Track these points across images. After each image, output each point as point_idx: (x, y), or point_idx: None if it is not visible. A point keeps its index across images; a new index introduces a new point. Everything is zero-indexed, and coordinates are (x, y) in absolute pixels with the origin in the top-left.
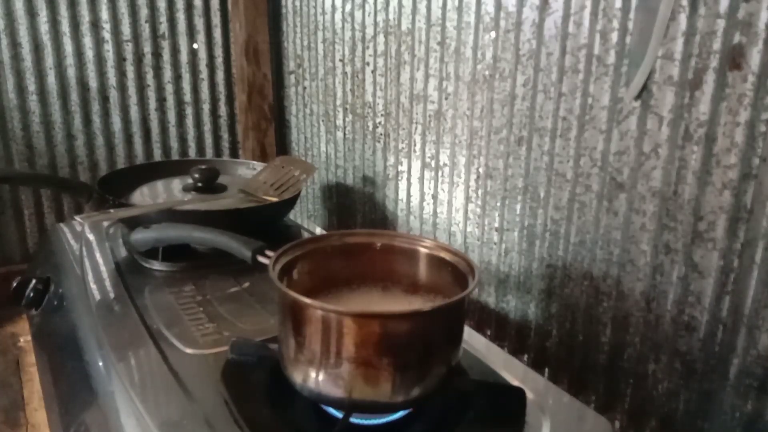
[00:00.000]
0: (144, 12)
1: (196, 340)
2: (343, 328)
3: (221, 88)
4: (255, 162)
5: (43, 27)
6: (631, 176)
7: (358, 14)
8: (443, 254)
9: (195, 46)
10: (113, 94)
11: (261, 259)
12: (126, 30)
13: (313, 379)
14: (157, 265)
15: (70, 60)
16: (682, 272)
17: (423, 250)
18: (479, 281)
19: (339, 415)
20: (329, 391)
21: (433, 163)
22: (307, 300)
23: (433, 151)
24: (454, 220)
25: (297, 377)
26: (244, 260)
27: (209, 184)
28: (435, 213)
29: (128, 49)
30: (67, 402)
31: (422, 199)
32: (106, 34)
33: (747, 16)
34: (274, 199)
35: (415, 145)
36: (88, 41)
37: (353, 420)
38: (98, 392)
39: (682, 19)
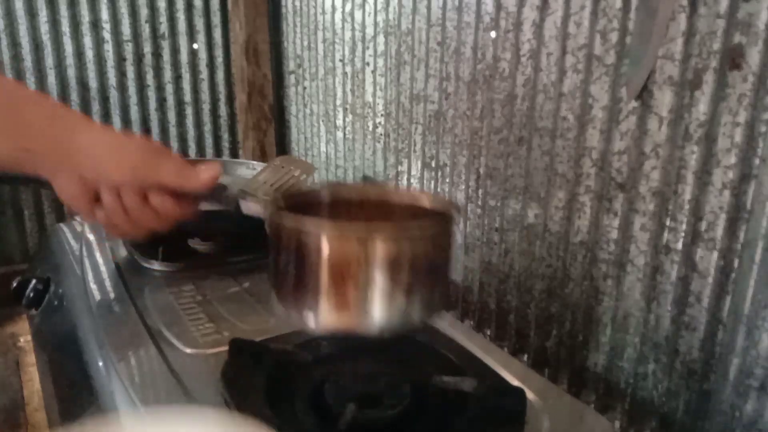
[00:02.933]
0: (144, 12)
1: (196, 340)
2: (340, 246)
3: (221, 88)
4: (255, 162)
5: (43, 27)
6: (631, 176)
7: (358, 14)
8: (425, 201)
9: (195, 46)
10: (113, 94)
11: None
12: (126, 30)
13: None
14: (157, 265)
15: (70, 60)
16: (682, 272)
17: (405, 200)
18: (459, 211)
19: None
20: (328, 318)
21: (433, 163)
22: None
23: (433, 151)
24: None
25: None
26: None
27: None
28: None
29: (128, 49)
30: (67, 402)
31: None
32: (106, 34)
33: (747, 16)
34: None
35: (415, 145)
36: (88, 41)
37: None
38: (98, 392)
39: (682, 19)
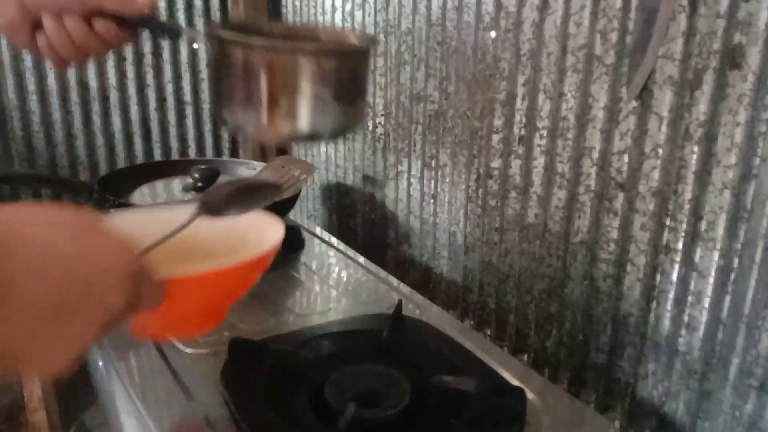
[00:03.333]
0: None
1: (196, 340)
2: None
3: None
4: (255, 162)
5: None
6: (631, 176)
7: (358, 14)
8: (350, 35)
9: (195, 45)
10: (113, 94)
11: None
12: None
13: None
14: None
15: None
16: (682, 272)
17: (332, 35)
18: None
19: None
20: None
21: (433, 163)
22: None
23: (433, 151)
24: (454, 220)
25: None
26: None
27: (209, 184)
28: (435, 213)
29: (128, 49)
30: (67, 402)
31: (422, 199)
32: None
33: (747, 16)
34: (274, 199)
35: (415, 145)
36: None
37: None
38: (98, 392)
39: (682, 19)
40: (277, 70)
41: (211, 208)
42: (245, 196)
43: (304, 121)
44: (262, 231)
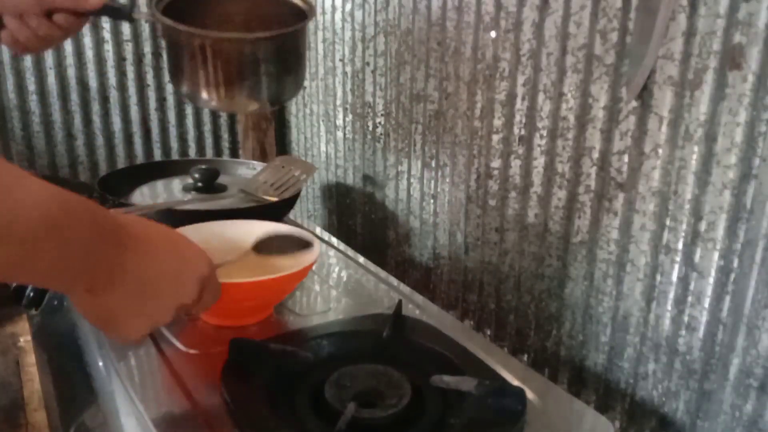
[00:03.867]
0: None
1: (196, 340)
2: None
3: None
4: (255, 162)
5: None
6: (631, 176)
7: (358, 14)
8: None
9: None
10: (113, 94)
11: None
12: (126, 30)
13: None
14: None
15: (70, 60)
16: (682, 272)
17: None
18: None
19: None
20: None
21: (433, 163)
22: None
23: (433, 150)
24: (454, 220)
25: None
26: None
27: (209, 184)
28: (435, 213)
29: (128, 49)
30: (67, 402)
31: (422, 199)
32: (106, 34)
33: (747, 16)
34: (274, 199)
35: (415, 145)
36: (88, 41)
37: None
38: (98, 392)
39: (682, 19)
40: (219, 54)
41: (259, 248)
42: (284, 243)
43: (248, 95)
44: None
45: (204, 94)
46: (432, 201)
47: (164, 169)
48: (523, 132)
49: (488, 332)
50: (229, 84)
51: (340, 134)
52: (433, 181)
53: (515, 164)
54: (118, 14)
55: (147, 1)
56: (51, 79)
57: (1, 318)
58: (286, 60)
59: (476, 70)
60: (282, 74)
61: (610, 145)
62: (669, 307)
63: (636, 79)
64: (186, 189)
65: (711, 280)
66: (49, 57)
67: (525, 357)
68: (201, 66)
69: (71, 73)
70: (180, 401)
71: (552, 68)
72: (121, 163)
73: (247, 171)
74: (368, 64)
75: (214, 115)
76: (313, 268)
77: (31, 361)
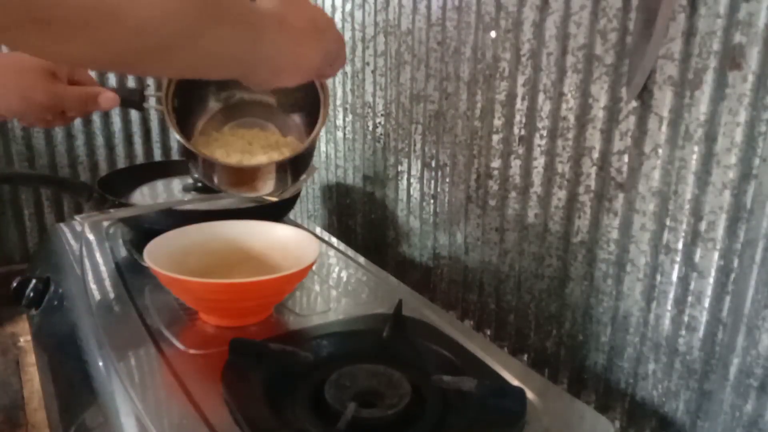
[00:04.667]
0: None
1: (196, 340)
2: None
3: None
4: None
5: None
6: (631, 176)
7: (358, 14)
8: None
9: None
10: None
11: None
12: None
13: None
14: None
15: None
16: (682, 272)
17: None
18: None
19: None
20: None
21: (433, 163)
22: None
23: (433, 151)
24: (454, 220)
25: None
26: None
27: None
28: (435, 213)
29: None
30: (67, 402)
31: (422, 199)
32: None
33: (747, 16)
34: (274, 199)
35: (415, 145)
36: None
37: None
38: (98, 392)
39: (682, 19)
40: (233, 174)
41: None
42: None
43: (259, 191)
44: (303, 246)
45: (215, 184)
46: (432, 201)
47: (164, 169)
48: (523, 132)
49: (488, 332)
50: (239, 186)
51: (340, 134)
52: (433, 181)
53: (515, 164)
54: (129, 105)
55: (156, 93)
56: None
57: (1, 318)
58: (297, 167)
59: (476, 70)
60: (295, 175)
61: (610, 145)
62: (669, 307)
63: (636, 79)
64: (186, 189)
65: (711, 280)
66: None
67: (525, 357)
68: (210, 169)
69: None
70: (180, 401)
71: (552, 68)
72: (121, 163)
73: None
74: (368, 64)
75: None
76: (313, 268)
77: (31, 361)
